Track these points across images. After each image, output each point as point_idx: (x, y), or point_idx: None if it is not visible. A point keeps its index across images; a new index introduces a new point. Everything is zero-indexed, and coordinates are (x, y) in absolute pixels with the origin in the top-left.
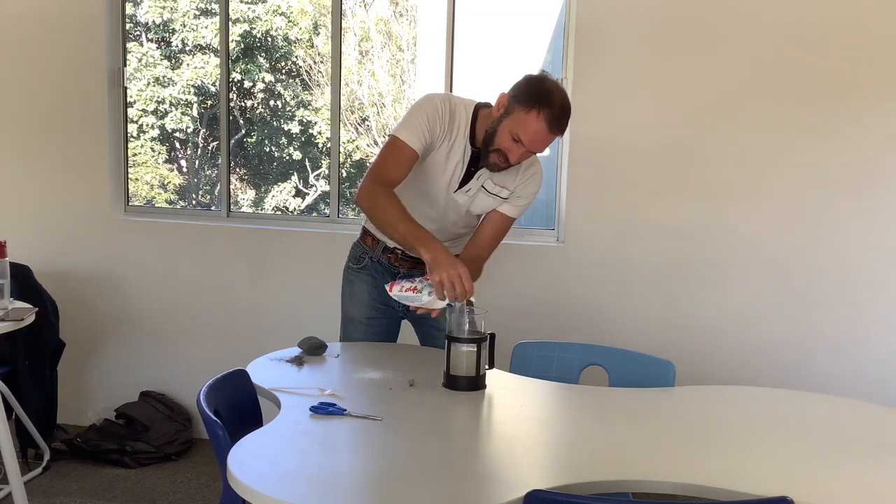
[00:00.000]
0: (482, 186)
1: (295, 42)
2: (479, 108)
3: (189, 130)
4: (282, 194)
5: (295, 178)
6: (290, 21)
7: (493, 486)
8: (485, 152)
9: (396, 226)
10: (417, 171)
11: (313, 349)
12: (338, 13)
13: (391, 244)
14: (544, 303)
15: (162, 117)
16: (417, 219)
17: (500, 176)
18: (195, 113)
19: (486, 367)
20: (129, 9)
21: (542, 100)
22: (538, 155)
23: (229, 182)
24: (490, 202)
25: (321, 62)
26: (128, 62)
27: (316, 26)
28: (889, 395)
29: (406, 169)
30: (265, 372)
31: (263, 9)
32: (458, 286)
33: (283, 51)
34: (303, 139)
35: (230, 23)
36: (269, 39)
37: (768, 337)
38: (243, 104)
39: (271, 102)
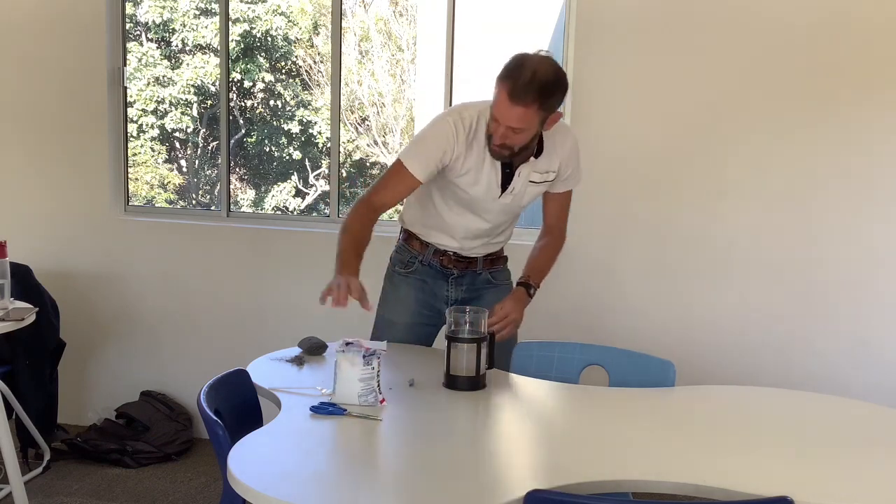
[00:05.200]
0: (529, 181)
1: (295, 42)
2: None
3: (189, 130)
4: (282, 194)
5: (295, 177)
6: (289, 21)
7: (493, 486)
8: (489, 143)
9: (338, 249)
10: (455, 196)
11: (313, 349)
12: (338, 13)
13: (442, 247)
14: (544, 303)
15: (162, 117)
16: (466, 232)
17: (541, 162)
18: (195, 113)
19: (486, 366)
20: (129, 9)
21: (508, 73)
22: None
23: (229, 182)
24: (542, 188)
25: (321, 62)
26: (128, 62)
27: (316, 26)
28: (889, 395)
29: (404, 195)
30: (265, 372)
31: (263, 9)
32: (335, 295)
33: (283, 51)
34: (303, 139)
35: (230, 23)
36: (269, 39)
37: (768, 337)
38: (243, 104)
39: (271, 102)
